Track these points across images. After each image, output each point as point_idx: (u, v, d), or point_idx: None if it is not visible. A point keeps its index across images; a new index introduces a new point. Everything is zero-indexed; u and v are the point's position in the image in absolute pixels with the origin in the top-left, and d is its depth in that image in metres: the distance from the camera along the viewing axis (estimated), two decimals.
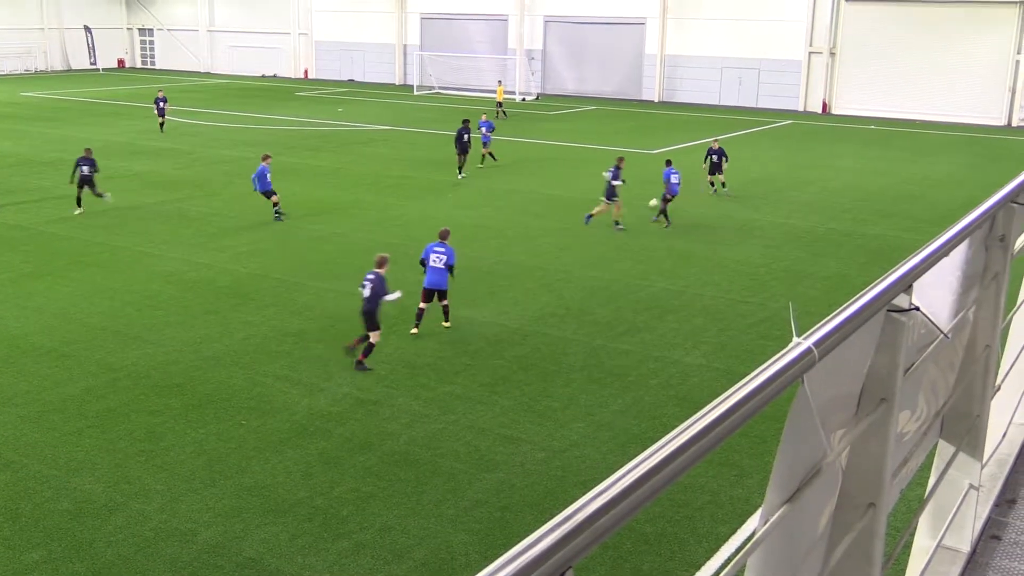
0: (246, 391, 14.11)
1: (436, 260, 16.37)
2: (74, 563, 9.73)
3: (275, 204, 25.02)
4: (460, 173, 31.52)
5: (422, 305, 16.59)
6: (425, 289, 16.49)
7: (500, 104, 50.42)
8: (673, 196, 24.92)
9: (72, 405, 13.50)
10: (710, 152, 29.19)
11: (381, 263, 15.25)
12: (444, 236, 16.78)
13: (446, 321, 16.79)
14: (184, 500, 10.96)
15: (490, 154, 33.88)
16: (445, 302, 16.71)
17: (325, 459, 12.02)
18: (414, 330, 16.55)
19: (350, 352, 15.23)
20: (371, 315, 14.97)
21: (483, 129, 33.99)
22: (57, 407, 13.42)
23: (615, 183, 24.01)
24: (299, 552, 9.99)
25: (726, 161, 29.14)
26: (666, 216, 24.96)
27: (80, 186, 25.15)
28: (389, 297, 15.00)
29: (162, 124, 41.19)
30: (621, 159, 24.83)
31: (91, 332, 16.50)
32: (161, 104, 41.19)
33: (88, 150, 25.84)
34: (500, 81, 54.87)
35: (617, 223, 24.34)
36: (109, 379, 14.48)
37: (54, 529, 10.34)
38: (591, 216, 24.53)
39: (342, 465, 11.87)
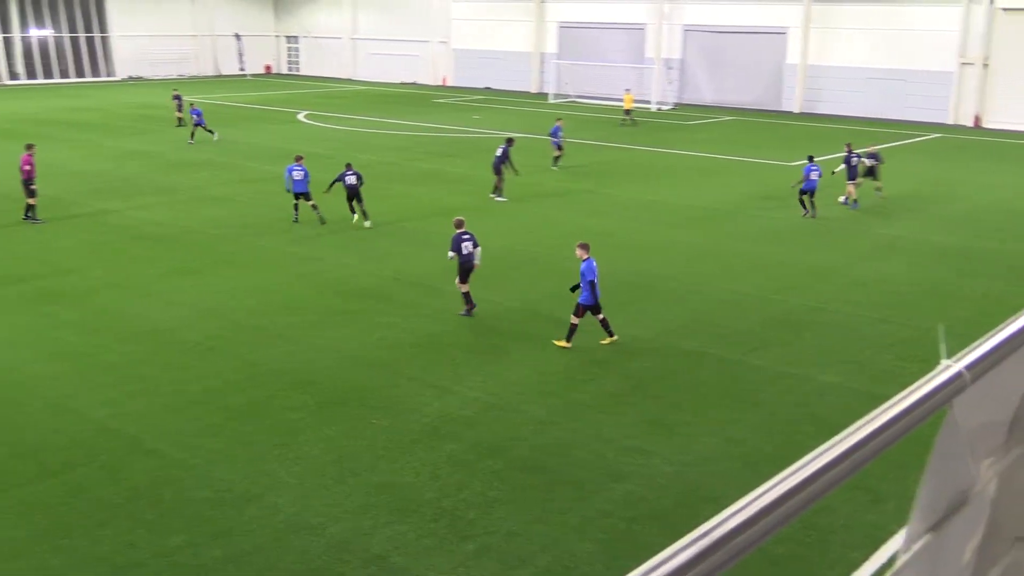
0: (379, 391, 14.41)
1: None
2: (213, 549, 10.11)
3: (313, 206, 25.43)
4: (499, 196, 29.11)
5: None
6: None
7: (628, 112, 50.41)
8: (810, 190, 26.61)
9: (214, 398, 14.05)
10: (860, 157, 29.00)
11: (462, 223, 18.02)
12: None
13: None
14: (315, 495, 11.26)
15: (556, 158, 35.17)
16: None
17: (454, 461, 12.18)
18: None
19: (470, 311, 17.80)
20: (471, 270, 17.86)
21: (559, 134, 35.39)
22: (200, 399, 13.99)
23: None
24: (425, 552, 10.14)
25: (880, 163, 29.45)
26: (803, 205, 26.88)
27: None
28: (476, 251, 17.89)
29: (181, 119, 45.36)
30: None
31: (235, 328, 17.14)
32: (179, 102, 46.27)
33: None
34: (628, 89, 54.42)
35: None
36: (250, 374, 15.00)
37: (194, 516, 10.77)
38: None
39: (470, 468, 12.00)
